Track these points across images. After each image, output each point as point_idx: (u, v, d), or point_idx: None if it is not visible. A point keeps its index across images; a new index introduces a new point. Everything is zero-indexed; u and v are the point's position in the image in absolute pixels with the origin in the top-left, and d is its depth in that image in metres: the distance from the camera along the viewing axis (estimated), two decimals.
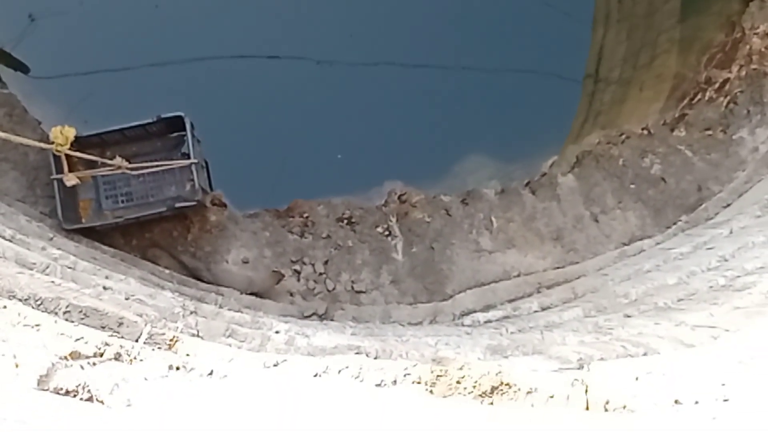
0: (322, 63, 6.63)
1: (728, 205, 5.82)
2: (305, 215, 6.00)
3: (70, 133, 5.23)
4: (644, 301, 4.76)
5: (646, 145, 6.22)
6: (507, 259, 5.93)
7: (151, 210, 5.71)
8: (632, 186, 6.09)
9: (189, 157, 5.67)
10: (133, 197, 5.90)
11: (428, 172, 6.40)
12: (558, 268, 5.87)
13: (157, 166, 5.65)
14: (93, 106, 6.13)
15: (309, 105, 6.52)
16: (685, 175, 6.09)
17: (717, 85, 6.28)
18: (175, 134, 5.89)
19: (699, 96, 6.31)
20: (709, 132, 6.19)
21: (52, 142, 5.22)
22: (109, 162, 5.51)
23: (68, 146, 5.25)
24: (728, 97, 6.22)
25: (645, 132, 6.28)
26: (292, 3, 6.96)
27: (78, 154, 5.36)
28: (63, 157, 5.33)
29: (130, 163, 5.60)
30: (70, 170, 5.47)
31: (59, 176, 5.43)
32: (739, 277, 4.48)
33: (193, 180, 5.69)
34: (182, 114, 5.70)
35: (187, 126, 5.68)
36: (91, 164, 5.61)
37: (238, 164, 6.32)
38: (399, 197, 6.14)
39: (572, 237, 5.98)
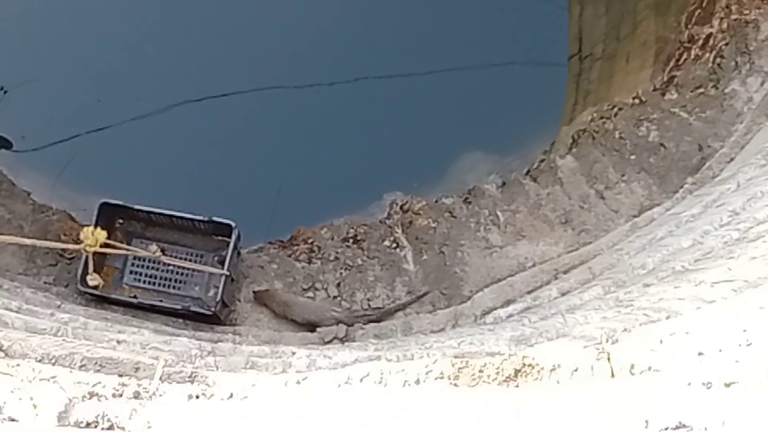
0: (301, 89, 6.64)
1: (731, 159, 5.75)
2: (310, 241, 5.97)
3: (101, 236, 5.18)
4: (662, 268, 4.69)
5: (639, 114, 6.16)
6: (519, 251, 5.87)
7: (167, 304, 5.70)
8: (632, 157, 6.03)
9: (224, 265, 5.64)
10: (157, 283, 5.89)
11: (426, 177, 6.40)
12: (572, 251, 5.80)
13: (190, 266, 5.68)
14: (81, 167, 6.16)
15: (295, 132, 6.55)
16: (683, 137, 6.02)
17: (701, 42, 6.23)
18: (220, 238, 5.86)
19: (684, 56, 6.26)
20: (701, 90, 6.13)
21: (81, 242, 5.18)
22: (143, 252, 5.48)
23: (97, 247, 5.20)
24: (714, 52, 6.16)
25: (636, 101, 6.24)
26: (262, 34, 6.99)
27: (107, 250, 5.30)
28: (90, 257, 5.28)
29: (166, 248, 5.67)
30: (99, 268, 5.45)
31: (87, 278, 5.38)
32: (752, 228, 4.42)
33: (218, 289, 5.64)
34: (233, 224, 5.68)
35: (233, 237, 5.66)
36: (128, 232, 5.75)
37: (234, 201, 6.33)
38: (401, 207, 6.09)
39: (581, 218, 5.92)
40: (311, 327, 5.67)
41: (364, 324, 5.60)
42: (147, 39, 7.13)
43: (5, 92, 6.52)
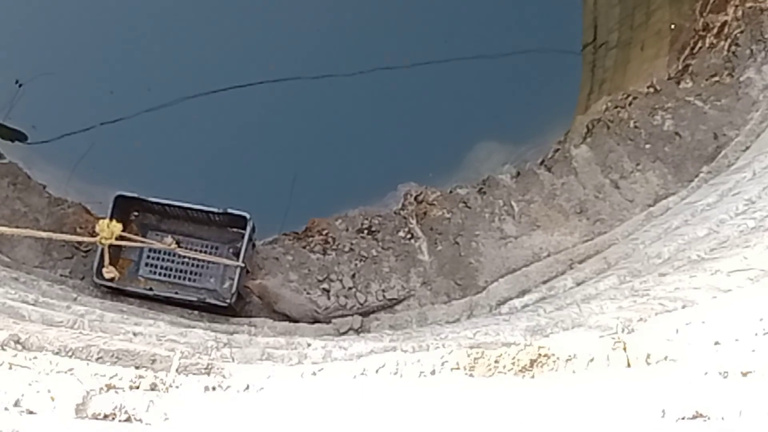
0: (316, 79, 6.63)
1: (747, 147, 5.71)
2: (324, 232, 5.96)
3: (117, 228, 5.22)
4: (677, 258, 4.67)
5: (654, 103, 6.12)
6: (534, 241, 5.85)
7: (183, 296, 5.73)
8: (647, 146, 5.99)
9: (239, 257, 5.66)
10: (172, 275, 5.92)
11: (440, 168, 6.39)
12: (587, 241, 5.78)
13: (205, 258, 5.72)
14: (96, 159, 6.18)
15: (309, 123, 6.54)
16: (698, 126, 5.98)
17: (716, 30, 6.18)
18: (235, 230, 5.89)
19: (699, 44, 6.22)
20: (716, 78, 6.08)
21: (97, 234, 5.21)
22: (158, 245, 5.56)
23: (112, 240, 5.23)
24: (729, 40, 6.12)
25: (651, 90, 6.19)
26: (276, 24, 6.99)
27: (123, 243, 5.37)
28: (105, 249, 5.30)
29: (182, 240, 5.72)
30: (114, 261, 5.51)
31: (102, 270, 5.42)
32: (767, 216, 4.40)
33: (233, 280, 5.67)
34: (248, 216, 5.70)
35: (248, 228, 5.68)
36: (143, 224, 5.80)
37: (249, 193, 6.33)
38: (415, 198, 6.07)
39: (596, 207, 5.89)
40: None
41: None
42: (160, 30, 7.15)
43: (20, 85, 6.55)
